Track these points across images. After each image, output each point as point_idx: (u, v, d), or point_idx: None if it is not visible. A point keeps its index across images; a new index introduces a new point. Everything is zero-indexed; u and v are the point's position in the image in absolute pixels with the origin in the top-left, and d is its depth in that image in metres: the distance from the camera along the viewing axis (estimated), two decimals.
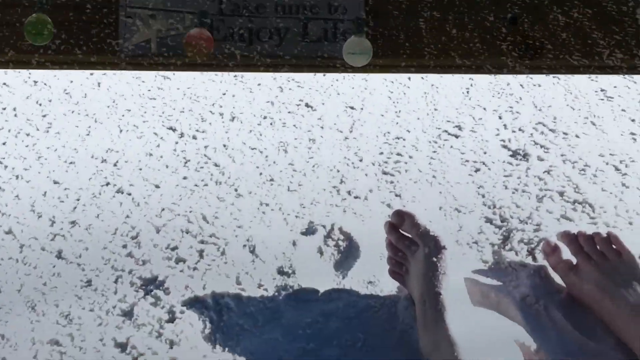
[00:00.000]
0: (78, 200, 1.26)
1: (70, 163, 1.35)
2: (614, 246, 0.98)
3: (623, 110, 1.49)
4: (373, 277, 1.08)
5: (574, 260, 1.01)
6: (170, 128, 1.43)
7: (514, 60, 0.95)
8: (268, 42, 0.94)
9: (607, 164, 1.33)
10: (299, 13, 0.96)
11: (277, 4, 0.97)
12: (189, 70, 0.95)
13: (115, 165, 1.34)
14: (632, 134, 1.42)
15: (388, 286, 1.06)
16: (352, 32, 0.94)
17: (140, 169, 1.33)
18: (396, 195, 1.26)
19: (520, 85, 1.48)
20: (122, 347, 0.99)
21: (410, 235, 1.02)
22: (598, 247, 0.99)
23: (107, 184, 1.29)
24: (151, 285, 1.08)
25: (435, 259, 0.96)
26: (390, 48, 0.90)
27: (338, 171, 1.32)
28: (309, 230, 1.17)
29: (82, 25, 0.97)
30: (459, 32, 0.92)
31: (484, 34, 0.92)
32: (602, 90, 1.54)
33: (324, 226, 1.17)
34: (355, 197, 1.25)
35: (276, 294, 1.07)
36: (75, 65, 0.95)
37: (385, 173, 1.31)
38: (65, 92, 1.49)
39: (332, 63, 0.95)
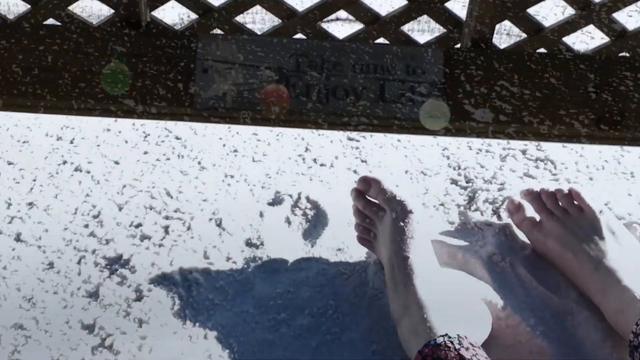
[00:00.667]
0: (34, 180, 1.21)
1: (24, 142, 1.30)
2: (575, 202, 0.99)
3: None
4: (342, 244, 1.08)
5: (538, 218, 1.02)
6: None
7: (590, 130, 0.98)
8: (344, 101, 0.93)
9: None
10: (376, 72, 0.95)
11: (355, 62, 0.96)
12: (263, 125, 0.95)
13: (71, 142, 1.30)
14: None
15: (357, 252, 1.06)
16: (429, 94, 0.94)
17: (99, 145, 1.29)
18: (362, 161, 1.25)
19: None
20: (90, 328, 0.98)
21: (377, 201, 1.01)
22: (560, 203, 1.00)
23: (64, 162, 1.25)
24: (116, 264, 1.06)
25: (402, 224, 0.96)
26: (465, 112, 0.91)
27: (303, 139, 1.30)
28: (276, 201, 1.16)
29: (158, 76, 0.96)
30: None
31: (563, 101, 0.93)
32: None
33: (290, 195, 1.16)
34: (321, 165, 1.24)
35: (245, 266, 1.06)
36: (150, 115, 0.94)
37: (350, 139, 1.30)
38: None
39: (408, 125, 0.95)
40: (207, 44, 0.97)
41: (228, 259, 1.07)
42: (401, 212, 0.97)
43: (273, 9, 1.05)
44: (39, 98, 0.94)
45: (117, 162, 1.26)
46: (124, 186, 1.20)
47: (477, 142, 1.30)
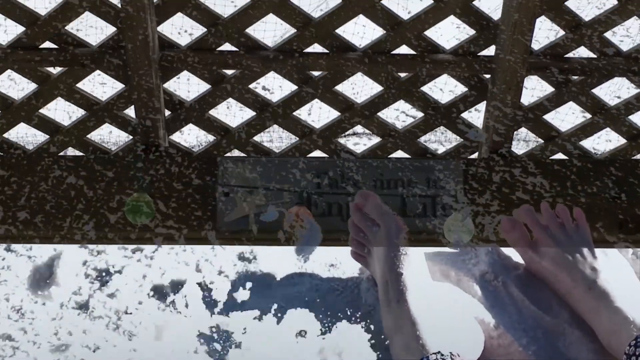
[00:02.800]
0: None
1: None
2: (574, 219, 1.00)
3: None
4: (335, 259, 1.08)
5: (532, 237, 1.02)
6: None
7: (615, 235, 1.02)
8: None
9: None
10: (397, 187, 0.97)
11: (376, 178, 0.99)
12: (287, 246, 0.98)
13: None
14: None
15: (350, 268, 1.06)
16: (451, 208, 0.97)
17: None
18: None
19: None
20: (79, 340, 0.96)
21: (372, 217, 1.01)
22: (558, 217, 1.00)
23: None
24: (107, 276, 1.05)
25: (396, 240, 0.96)
26: (487, 223, 0.94)
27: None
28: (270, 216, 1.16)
29: (179, 200, 0.99)
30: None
31: (584, 207, 0.98)
32: None
33: (283, 211, 1.16)
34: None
35: (237, 280, 1.05)
36: (173, 241, 0.98)
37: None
38: None
39: (433, 238, 0.99)
40: (227, 166, 0.99)
41: (220, 272, 1.07)
42: (395, 228, 0.97)
43: (290, 127, 1.09)
44: (57, 229, 0.96)
45: None
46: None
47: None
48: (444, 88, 1.50)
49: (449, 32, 1.56)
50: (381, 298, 0.96)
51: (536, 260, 1.00)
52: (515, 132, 1.10)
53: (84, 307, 1.01)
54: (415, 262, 0.96)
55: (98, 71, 1.03)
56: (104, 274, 1.05)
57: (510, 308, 0.98)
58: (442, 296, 0.96)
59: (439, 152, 1.06)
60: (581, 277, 0.94)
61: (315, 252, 1.10)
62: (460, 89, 1.11)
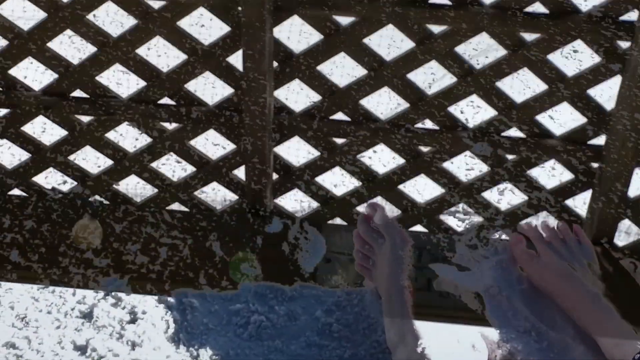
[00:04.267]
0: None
1: None
2: (574, 236, 1.00)
3: None
4: (339, 272, 1.08)
5: (536, 251, 1.02)
6: None
7: (620, 250, 1.04)
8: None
9: None
10: None
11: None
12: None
13: None
14: None
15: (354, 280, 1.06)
16: None
17: (97, 157, 1.29)
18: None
19: None
20: (82, 349, 0.96)
21: (378, 229, 1.01)
22: (560, 235, 1.01)
23: (64, 182, 1.25)
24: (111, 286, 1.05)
25: (401, 252, 0.96)
26: None
27: None
28: (274, 227, 1.16)
29: (280, 262, 1.04)
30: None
31: None
32: None
33: (289, 222, 1.16)
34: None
35: (241, 291, 1.05)
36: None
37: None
38: None
39: None
40: (329, 234, 1.01)
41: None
42: (400, 241, 0.97)
43: (393, 200, 1.11)
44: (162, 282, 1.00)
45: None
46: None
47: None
48: (549, 173, 1.48)
49: (559, 116, 1.56)
50: (385, 310, 0.95)
51: (539, 272, 1.00)
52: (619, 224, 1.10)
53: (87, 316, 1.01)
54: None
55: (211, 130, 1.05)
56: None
57: (514, 322, 0.98)
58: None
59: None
60: (585, 290, 0.94)
61: (319, 263, 1.10)
62: (566, 175, 1.12)
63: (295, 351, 0.97)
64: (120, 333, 0.99)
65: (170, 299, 1.03)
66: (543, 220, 1.03)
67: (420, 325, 0.90)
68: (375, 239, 1.00)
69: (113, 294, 1.04)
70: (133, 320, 1.01)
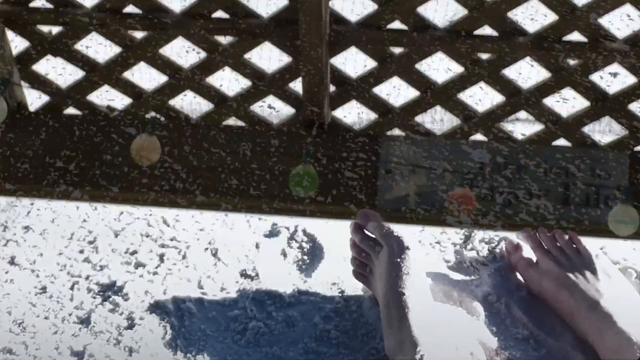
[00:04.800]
0: (32, 204, 1.21)
1: None
2: (573, 244, 1.00)
3: None
4: (337, 278, 1.08)
5: (534, 258, 1.02)
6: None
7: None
8: (526, 204, 0.95)
9: None
10: (560, 176, 0.97)
11: (538, 165, 0.98)
12: (446, 226, 0.99)
13: None
14: None
15: (352, 287, 1.06)
16: (617, 199, 0.96)
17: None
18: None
19: None
20: (79, 355, 0.96)
21: (374, 236, 1.01)
22: (558, 243, 1.01)
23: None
24: (109, 291, 1.05)
25: (398, 259, 0.96)
26: None
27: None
28: (273, 233, 1.16)
29: (339, 175, 1.00)
30: None
31: None
32: None
33: (287, 228, 1.16)
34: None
35: (239, 297, 1.05)
36: (334, 215, 1.00)
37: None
38: None
39: (597, 228, 0.98)
40: (389, 145, 0.99)
41: (222, 289, 1.07)
42: (398, 248, 0.97)
43: (453, 109, 1.06)
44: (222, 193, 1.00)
45: None
46: (121, 213, 1.20)
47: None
48: (609, 78, 1.41)
49: (618, 22, 1.50)
50: (383, 318, 0.95)
51: (537, 280, 1.00)
52: None
53: (85, 321, 1.01)
54: (418, 282, 0.96)
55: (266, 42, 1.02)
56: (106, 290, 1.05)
57: (513, 330, 0.98)
58: (443, 317, 0.95)
59: (604, 142, 1.01)
60: (583, 298, 0.94)
61: (317, 270, 1.10)
62: (631, 79, 1.05)
63: (293, 358, 0.97)
64: (118, 339, 0.99)
65: (169, 305, 1.03)
66: (540, 228, 1.03)
67: (419, 333, 0.89)
68: (373, 246, 1.00)
69: (111, 299, 1.04)
70: (130, 326, 1.00)
